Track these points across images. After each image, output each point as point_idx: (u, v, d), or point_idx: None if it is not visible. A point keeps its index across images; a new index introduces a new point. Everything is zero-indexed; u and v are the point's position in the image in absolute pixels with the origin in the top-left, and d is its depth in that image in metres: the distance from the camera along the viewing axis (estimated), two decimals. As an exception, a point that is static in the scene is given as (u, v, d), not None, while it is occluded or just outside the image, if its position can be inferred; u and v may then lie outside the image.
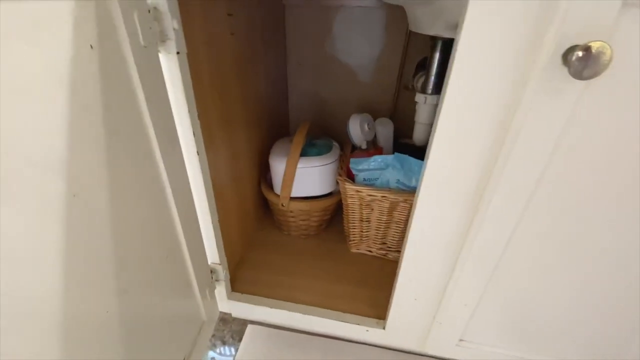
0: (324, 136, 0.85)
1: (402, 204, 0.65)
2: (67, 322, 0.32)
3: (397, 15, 0.84)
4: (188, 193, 0.50)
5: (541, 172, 0.37)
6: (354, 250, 0.80)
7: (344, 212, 0.75)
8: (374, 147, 0.84)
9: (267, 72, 0.80)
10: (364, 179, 0.67)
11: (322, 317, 0.63)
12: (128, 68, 0.35)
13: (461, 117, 0.37)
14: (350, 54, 0.92)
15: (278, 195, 0.76)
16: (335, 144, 0.80)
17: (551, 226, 0.41)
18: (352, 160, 0.68)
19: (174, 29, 0.38)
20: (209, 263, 0.61)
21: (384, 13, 0.85)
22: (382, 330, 0.61)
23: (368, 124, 0.84)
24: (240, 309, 0.67)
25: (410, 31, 0.84)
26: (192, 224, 0.51)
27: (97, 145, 0.33)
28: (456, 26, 0.54)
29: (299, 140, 0.69)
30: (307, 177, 0.72)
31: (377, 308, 0.66)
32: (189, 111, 0.44)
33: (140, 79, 0.36)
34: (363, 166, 0.67)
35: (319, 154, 0.73)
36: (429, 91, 0.70)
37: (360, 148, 0.82)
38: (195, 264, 0.53)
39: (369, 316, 0.64)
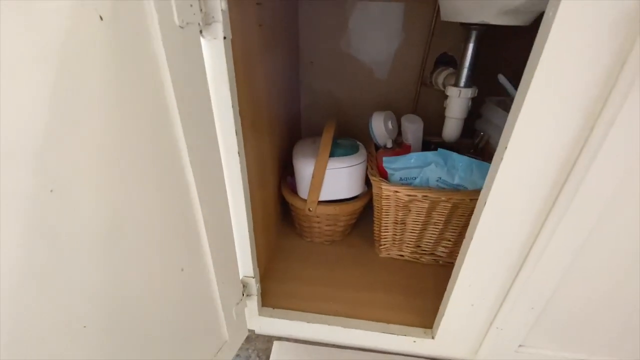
0: (346, 136, 0.81)
1: (443, 204, 0.61)
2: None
3: (416, 10, 0.82)
4: (222, 199, 0.44)
5: (629, 169, 0.34)
6: (383, 255, 0.76)
7: (375, 215, 0.71)
8: (398, 146, 0.80)
9: (284, 70, 0.75)
10: (400, 179, 0.63)
11: (366, 329, 0.58)
12: (153, 51, 0.29)
13: (545, 111, 0.33)
14: (366, 50, 0.89)
15: (303, 200, 0.70)
16: (360, 143, 0.76)
17: (629, 229, 0.38)
18: (385, 158, 0.64)
19: (222, 10, 0.33)
20: (241, 277, 0.55)
21: (401, 8, 0.82)
22: (431, 340, 0.57)
23: (391, 122, 0.81)
24: (272, 325, 0.61)
25: (434, 25, 0.82)
26: (224, 233, 0.46)
27: (101, 141, 0.27)
28: (512, 12, 0.52)
29: (327, 139, 0.64)
30: (336, 179, 0.67)
31: (421, 316, 0.61)
32: (232, 106, 0.39)
33: (170, 67, 0.30)
34: (399, 164, 0.63)
35: (346, 154, 0.69)
36: (462, 84, 0.67)
37: (385, 147, 0.78)
38: (223, 278, 0.47)
39: (414, 325, 0.60)
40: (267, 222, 0.70)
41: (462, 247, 0.47)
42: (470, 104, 0.68)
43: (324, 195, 0.68)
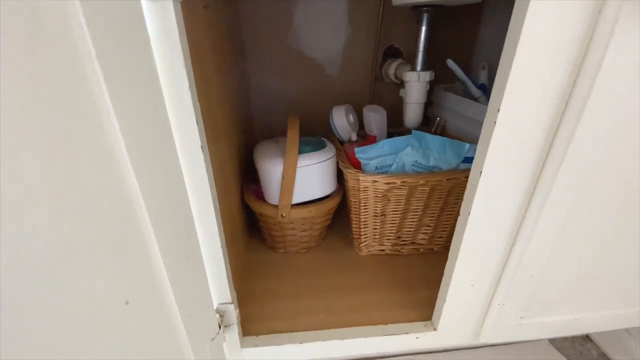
0: (307, 135, 0.76)
1: (420, 188, 0.59)
2: None
3: (361, 2, 0.81)
4: (181, 206, 0.35)
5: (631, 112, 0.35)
6: (364, 252, 0.71)
7: (352, 211, 0.67)
8: (362, 139, 0.78)
9: (232, 68, 0.68)
10: (376, 168, 0.60)
11: (365, 336, 0.52)
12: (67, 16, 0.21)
13: (532, 66, 0.33)
14: (315, 46, 0.86)
15: (273, 206, 0.63)
16: (325, 139, 0.71)
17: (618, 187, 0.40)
18: (358, 149, 0.61)
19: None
20: (216, 305, 0.45)
21: (345, 0, 0.81)
22: (434, 332, 0.54)
23: (352, 115, 0.78)
24: (259, 355, 0.51)
25: (382, 16, 0.82)
26: (188, 251, 0.36)
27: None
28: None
29: (293, 135, 0.58)
30: (308, 178, 0.61)
31: (417, 309, 0.58)
32: (190, 87, 0.31)
33: (93, 38, 0.22)
34: (372, 153, 0.59)
35: (314, 150, 0.63)
36: (419, 68, 0.67)
37: (349, 141, 0.75)
38: (189, 310, 0.38)
39: (413, 321, 0.56)
40: (234, 236, 0.61)
41: (458, 226, 0.45)
42: (428, 87, 0.69)
43: (297, 197, 0.62)
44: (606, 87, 0.33)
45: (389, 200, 0.61)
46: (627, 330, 0.59)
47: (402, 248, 0.71)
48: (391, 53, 0.90)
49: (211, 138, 0.45)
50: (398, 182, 0.57)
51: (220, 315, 0.46)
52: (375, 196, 0.61)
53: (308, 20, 0.82)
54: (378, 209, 0.63)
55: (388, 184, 0.58)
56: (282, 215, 0.62)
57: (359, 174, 0.58)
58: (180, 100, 0.31)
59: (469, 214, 0.42)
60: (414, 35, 0.87)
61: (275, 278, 0.66)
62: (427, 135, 0.57)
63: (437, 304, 0.53)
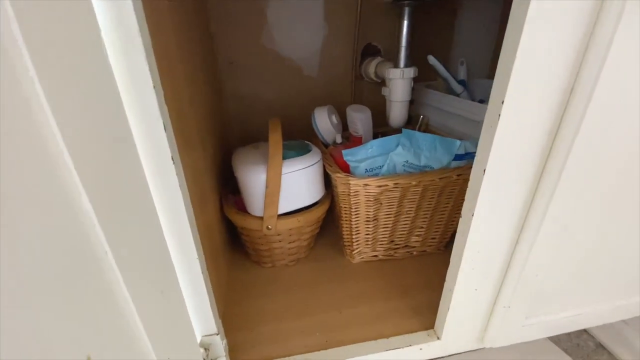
0: (288, 139, 0.71)
1: (413, 189, 0.57)
2: None
3: (337, -1, 0.78)
4: (153, 232, 0.29)
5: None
6: (357, 260, 0.68)
7: (342, 218, 0.63)
8: (347, 140, 0.74)
9: (203, 70, 0.62)
10: (366, 170, 0.56)
11: (367, 353, 0.48)
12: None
13: (536, 52, 0.30)
14: (291, 46, 0.82)
15: (258, 218, 0.58)
16: (309, 142, 0.67)
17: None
18: (345, 151, 0.57)
19: None
20: (200, 338, 0.40)
21: (321, -4, 0.78)
22: (438, 341, 0.50)
23: (335, 116, 0.74)
24: (252, 388, 0.46)
25: (360, 13, 0.79)
26: (160, 279, 0.31)
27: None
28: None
29: (276, 139, 0.54)
30: (295, 184, 0.56)
31: (418, 317, 0.54)
32: (155, 87, 0.25)
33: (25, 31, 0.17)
34: (362, 155, 0.56)
35: (299, 154, 0.59)
36: (402, 64, 0.65)
37: (334, 144, 0.71)
38: (168, 354, 0.32)
39: (415, 331, 0.52)
40: (215, 256, 0.55)
41: (461, 228, 0.42)
42: (412, 84, 0.67)
43: (283, 207, 0.57)
44: (613, 76, 0.31)
45: (381, 203, 0.58)
46: (623, 320, 0.59)
47: (395, 252, 0.68)
48: (369, 51, 0.87)
49: (183, 147, 0.39)
50: (390, 184, 0.54)
51: (205, 349, 0.40)
52: (367, 200, 0.57)
53: (282, 18, 0.78)
54: (370, 213, 0.59)
55: (380, 186, 0.54)
56: (267, 228, 0.57)
57: (350, 178, 0.54)
58: (143, 103, 0.25)
59: (473, 215, 0.39)
60: (393, 32, 0.85)
61: (264, 297, 0.60)
62: (417, 133, 0.54)
63: (439, 311, 0.50)
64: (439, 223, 0.65)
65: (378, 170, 0.56)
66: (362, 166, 0.56)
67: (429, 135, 0.54)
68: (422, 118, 0.78)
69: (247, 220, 0.58)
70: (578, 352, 0.65)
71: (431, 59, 0.73)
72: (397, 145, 0.55)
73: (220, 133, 0.73)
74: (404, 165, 0.56)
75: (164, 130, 0.26)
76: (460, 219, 0.42)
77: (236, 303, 0.58)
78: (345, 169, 0.59)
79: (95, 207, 0.22)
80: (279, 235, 0.60)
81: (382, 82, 0.84)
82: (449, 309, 0.47)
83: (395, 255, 0.68)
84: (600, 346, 0.65)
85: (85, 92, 0.21)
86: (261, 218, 0.57)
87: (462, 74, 0.83)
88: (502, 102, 0.33)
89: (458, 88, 0.76)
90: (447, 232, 0.67)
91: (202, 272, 0.36)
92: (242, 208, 0.61)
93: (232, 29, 0.76)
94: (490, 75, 0.94)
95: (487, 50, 0.92)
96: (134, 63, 0.25)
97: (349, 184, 0.54)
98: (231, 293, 0.61)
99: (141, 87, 0.25)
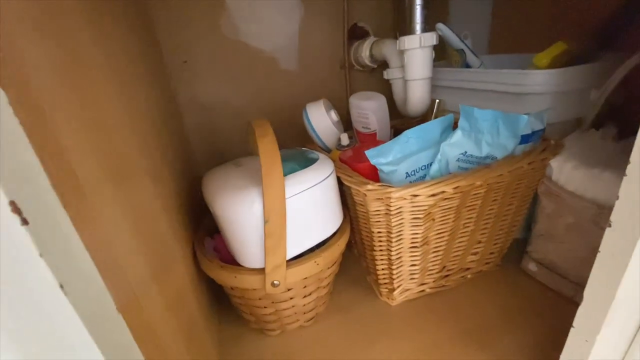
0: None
1: (474, 192, 0.39)
2: None
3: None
4: None
5: None
6: (398, 301, 0.49)
7: (375, 248, 0.44)
8: (355, 141, 0.56)
9: (144, 77, 0.42)
10: (407, 174, 0.38)
11: None
12: None
13: None
14: (260, 34, 0.64)
15: (255, 271, 0.37)
16: (306, 148, 0.49)
17: None
18: (370, 152, 0.39)
19: None
20: None
21: (293, -33, 0.61)
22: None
23: (334, 112, 0.57)
24: None
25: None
26: None
27: None
28: None
29: (270, 147, 0.34)
30: (307, 211, 0.37)
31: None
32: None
33: None
34: (396, 153, 0.38)
35: (302, 167, 0.40)
36: (418, 29, 0.49)
37: (340, 146, 0.53)
38: None
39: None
40: (193, 333, 0.33)
41: (608, 250, 0.25)
42: (434, 55, 0.51)
43: (294, 247, 0.37)
44: None
45: (434, 219, 0.40)
46: None
47: (447, 280, 0.50)
48: (355, 34, 0.72)
49: (111, 189, 0.19)
50: (449, 189, 0.36)
51: None
52: (414, 218, 0.39)
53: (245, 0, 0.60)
54: (418, 235, 0.41)
55: (435, 195, 0.36)
56: (273, 284, 0.37)
57: (389, 190, 0.35)
58: None
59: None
60: (382, 8, 0.71)
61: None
62: (475, 110, 0.37)
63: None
64: (501, 232, 0.48)
65: (424, 172, 0.39)
66: (401, 169, 0.38)
67: (488, 111, 0.37)
68: (438, 102, 0.63)
69: (240, 277, 0.37)
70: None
71: (441, 27, 0.58)
72: (443, 132, 0.38)
73: (181, 155, 0.52)
74: (458, 160, 0.39)
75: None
76: (609, 233, 0.25)
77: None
78: (371, 176, 0.40)
79: None
80: (289, 290, 0.40)
81: (379, 67, 0.69)
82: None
83: (447, 284, 0.50)
84: None
85: None
86: (261, 271, 0.36)
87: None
88: None
89: (475, 61, 0.61)
90: (508, 241, 0.51)
91: None
92: (227, 257, 0.40)
93: (182, 16, 0.57)
94: (490, 50, 0.83)
95: (484, 24, 0.80)
96: None
97: (390, 197, 0.36)
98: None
99: None
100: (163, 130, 0.42)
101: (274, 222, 0.33)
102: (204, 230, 0.46)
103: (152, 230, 0.28)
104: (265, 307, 0.42)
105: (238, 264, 0.38)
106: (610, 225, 0.25)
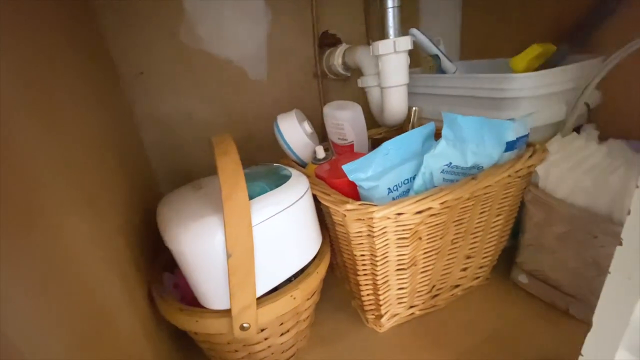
0: (246, 165, 0.47)
1: (462, 206, 0.36)
2: None
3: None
4: None
5: None
6: (386, 327, 0.44)
7: (358, 272, 0.39)
8: (331, 154, 0.52)
9: (94, 93, 0.36)
10: (389, 190, 0.35)
11: None
12: None
13: None
14: (225, 42, 0.59)
15: (221, 313, 0.31)
16: (276, 164, 0.44)
17: None
18: (347, 167, 0.34)
19: None
20: None
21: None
22: None
23: (307, 123, 0.53)
24: None
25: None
26: None
27: None
28: None
29: (232, 166, 0.29)
30: (279, 239, 0.32)
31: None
32: None
33: None
34: (376, 167, 0.34)
35: (271, 186, 0.35)
36: (392, 33, 0.46)
37: (316, 160, 0.49)
38: None
39: None
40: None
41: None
42: (409, 61, 0.48)
43: (265, 282, 0.32)
44: None
45: (421, 237, 0.36)
46: None
47: (437, 300, 0.46)
48: (326, 42, 0.69)
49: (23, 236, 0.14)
50: (436, 205, 0.33)
51: None
52: (400, 238, 0.35)
53: (205, 4, 0.56)
54: (405, 256, 0.37)
55: (421, 212, 0.33)
56: (242, 327, 0.31)
57: (371, 208, 0.31)
58: None
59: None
60: (354, 14, 0.69)
61: None
62: (459, 117, 0.34)
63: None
64: (490, 244, 0.45)
65: (407, 186, 0.35)
66: (383, 184, 0.34)
67: (472, 118, 0.35)
68: (416, 110, 0.60)
69: (202, 322, 0.32)
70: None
71: (414, 32, 0.56)
72: (425, 142, 0.35)
73: (136, 179, 0.46)
74: (443, 172, 0.35)
75: None
76: None
77: None
78: (351, 193, 0.36)
79: None
80: (263, 330, 0.35)
81: (355, 74, 0.66)
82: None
83: (437, 304, 0.46)
84: None
85: None
86: (228, 312, 0.31)
87: (442, 53, 0.68)
88: None
89: (451, 67, 0.60)
90: (497, 253, 0.48)
91: None
92: (191, 294, 0.34)
93: (136, 23, 0.51)
94: (462, 56, 0.82)
95: (454, 30, 0.79)
96: None
97: (372, 218, 0.31)
98: None
99: None
100: (107, 155, 0.36)
101: (239, 256, 0.28)
102: (162, 264, 0.39)
103: (79, 286, 0.22)
104: (236, 351, 0.36)
105: (198, 304, 0.32)
106: (621, 244, 0.22)
